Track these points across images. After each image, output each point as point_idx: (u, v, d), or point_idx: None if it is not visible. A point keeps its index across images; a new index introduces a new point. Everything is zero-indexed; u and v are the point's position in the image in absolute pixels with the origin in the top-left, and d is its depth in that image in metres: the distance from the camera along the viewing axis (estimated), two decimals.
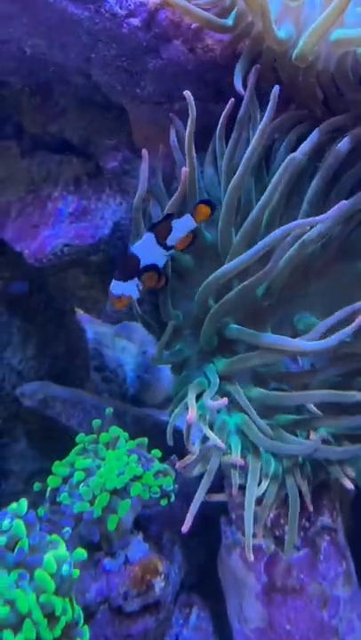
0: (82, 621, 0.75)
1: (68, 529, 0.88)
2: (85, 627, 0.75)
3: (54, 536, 0.78)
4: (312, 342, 0.88)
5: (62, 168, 1.37)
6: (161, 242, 0.89)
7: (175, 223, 0.89)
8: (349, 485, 0.90)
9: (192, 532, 1.27)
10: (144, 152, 0.97)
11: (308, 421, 0.97)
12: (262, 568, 1.03)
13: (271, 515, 1.05)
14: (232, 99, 1.04)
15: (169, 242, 0.89)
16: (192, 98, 0.98)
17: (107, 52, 1.05)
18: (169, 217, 0.91)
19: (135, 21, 1.02)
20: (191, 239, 0.93)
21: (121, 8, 1.00)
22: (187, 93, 0.99)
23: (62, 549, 0.75)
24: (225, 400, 0.87)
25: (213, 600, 1.18)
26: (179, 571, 1.11)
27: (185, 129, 1.04)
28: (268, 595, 1.02)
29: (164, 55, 1.07)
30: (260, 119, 1.00)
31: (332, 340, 0.85)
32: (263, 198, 0.93)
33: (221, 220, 0.98)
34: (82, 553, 0.77)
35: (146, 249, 0.89)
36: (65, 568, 0.72)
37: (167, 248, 0.90)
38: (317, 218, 0.86)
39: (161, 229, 0.89)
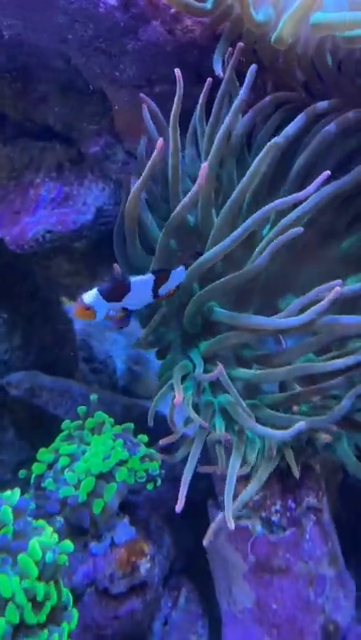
0: (71, 605, 0.75)
1: (60, 519, 0.88)
2: (74, 610, 0.75)
3: (40, 521, 0.78)
4: (287, 319, 0.88)
5: (45, 155, 1.36)
6: (154, 290, 0.90)
7: (173, 272, 0.91)
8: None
9: (181, 517, 1.29)
10: (160, 142, 0.94)
11: (291, 398, 0.98)
12: (249, 549, 1.04)
13: (257, 496, 1.06)
14: (210, 79, 1.03)
15: (161, 292, 0.91)
16: (181, 77, 0.97)
17: (84, 32, 1.03)
18: (168, 270, 0.92)
19: (112, 1, 1.00)
20: (173, 292, 0.94)
21: None
22: (177, 71, 0.97)
23: (47, 535, 0.74)
24: (220, 368, 0.86)
25: (202, 583, 1.19)
26: (167, 554, 1.12)
27: (162, 112, 1.04)
28: (255, 575, 1.03)
29: (143, 36, 1.05)
30: None
31: (307, 315, 0.86)
32: (243, 181, 0.92)
33: (200, 202, 0.98)
34: (69, 545, 0.77)
35: (139, 289, 0.88)
36: (49, 555, 0.72)
37: (155, 297, 0.91)
38: (297, 195, 0.85)
39: (161, 277, 0.90)
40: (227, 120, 0.93)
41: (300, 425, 0.85)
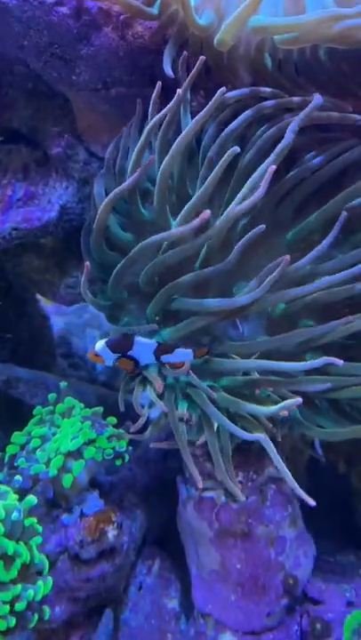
0: (46, 570, 0.82)
1: (18, 477, 0.94)
2: (49, 577, 0.81)
3: (3, 487, 0.85)
4: (244, 296, 0.96)
5: (11, 157, 1.41)
6: (157, 355, 1.01)
7: (178, 351, 1.00)
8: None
9: (154, 494, 1.37)
10: (151, 158, 1.01)
11: (252, 382, 1.05)
12: (214, 516, 1.12)
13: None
14: (159, 82, 1.09)
15: (163, 359, 1.01)
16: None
17: (39, 39, 1.09)
18: (176, 345, 1.02)
19: (64, 9, 1.06)
20: (180, 366, 1.02)
21: None
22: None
23: (12, 499, 0.81)
24: (186, 367, 0.97)
25: (176, 553, 1.27)
26: (140, 528, 1.19)
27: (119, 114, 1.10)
28: (220, 540, 1.11)
29: (96, 42, 1.12)
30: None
31: (260, 289, 0.93)
32: (201, 191, 0.98)
33: (156, 201, 1.05)
34: (32, 499, 0.84)
35: (143, 349, 1.00)
36: (15, 515, 0.79)
37: (157, 359, 1.01)
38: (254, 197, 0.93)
39: (165, 347, 1.00)
40: (188, 128, 1.00)
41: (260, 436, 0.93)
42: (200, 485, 0.97)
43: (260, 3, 0.98)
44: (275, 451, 0.96)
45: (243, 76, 1.14)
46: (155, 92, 1.09)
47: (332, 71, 1.11)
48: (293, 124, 1.00)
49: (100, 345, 1.00)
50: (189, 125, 1.01)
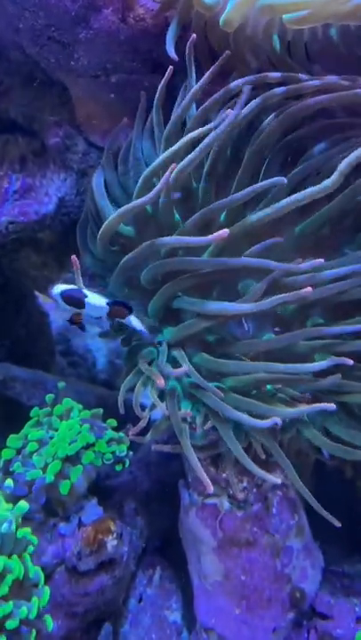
0: (42, 582, 0.77)
1: (9, 482, 0.89)
2: (46, 587, 0.76)
3: None
4: (247, 304, 0.91)
5: (8, 148, 1.36)
6: (110, 317, 0.99)
7: (130, 318, 0.99)
8: None
9: (155, 499, 1.32)
10: (168, 176, 0.91)
11: (254, 383, 1.00)
12: (217, 525, 1.07)
13: (224, 475, 1.09)
14: (170, 67, 1.03)
15: (115, 320, 1.00)
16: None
17: (35, 21, 1.04)
18: (130, 308, 1.00)
19: None
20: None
21: None
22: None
23: (2, 509, 0.76)
24: (185, 368, 0.92)
25: (177, 561, 1.22)
26: (140, 535, 1.14)
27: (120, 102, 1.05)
28: (224, 549, 1.06)
29: (95, 25, 1.06)
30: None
31: (266, 303, 0.89)
32: (221, 202, 0.95)
33: (162, 196, 0.99)
34: (24, 506, 0.79)
35: (93, 310, 0.98)
36: (4, 526, 0.74)
37: (110, 319, 1.00)
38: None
39: (117, 312, 0.99)
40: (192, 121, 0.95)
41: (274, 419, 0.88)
42: (210, 489, 0.91)
43: None
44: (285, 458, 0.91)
45: (250, 61, 1.08)
46: (163, 79, 1.03)
47: (346, 54, 1.04)
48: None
49: (57, 291, 0.97)
50: (194, 119, 0.95)
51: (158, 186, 0.91)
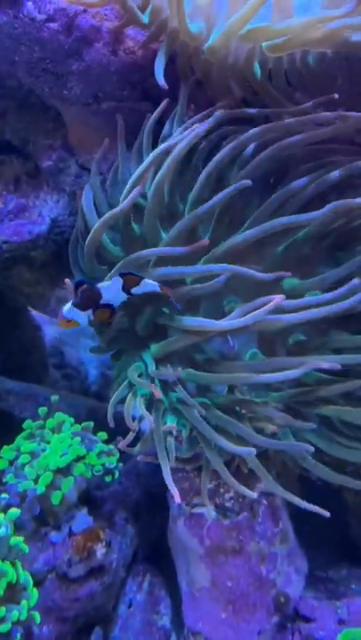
0: (30, 586, 0.81)
1: (5, 495, 0.93)
2: (34, 590, 0.80)
3: None
4: (226, 321, 0.96)
5: (3, 168, 1.41)
6: (126, 290, 0.98)
7: (145, 281, 0.97)
8: None
9: (145, 509, 1.35)
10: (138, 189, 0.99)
11: (237, 402, 1.04)
12: (204, 533, 1.11)
13: (211, 485, 1.13)
14: (167, 99, 1.10)
15: (133, 291, 0.98)
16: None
17: (30, 55, 1.10)
18: (141, 277, 0.99)
19: (55, 25, 1.07)
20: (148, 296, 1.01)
21: (40, 12, 1.05)
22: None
23: None
24: (178, 371, 0.96)
25: (167, 569, 1.26)
26: (130, 543, 1.18)
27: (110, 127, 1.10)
28: (211, 556, 1.10)
29: (87, 57, 1.12)
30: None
31: (245, 319, 0.93)
32: (199, 211, 1.00)
33: (147, 213, 1.05)
34: (15, 512, 0.82)
35: (110, 290, 0.97)
36: (2, 530, 0.77)
37: (128, 294, 0.99)
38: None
39: (131, 280, 0.97)
40: (180, 146, 1.01)
41: (251, 450, 0.93)
42: (178, 500, 0.95)
43: (254, 13, 0.98)
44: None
45: (234, 89, 1.14)
46: (157, 109, 1.10)
47: (323, 80, 1.10)
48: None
49: (67, 308, 0.95)
50: (182, 144, 1.01)
51: (131, 194, 0.97)
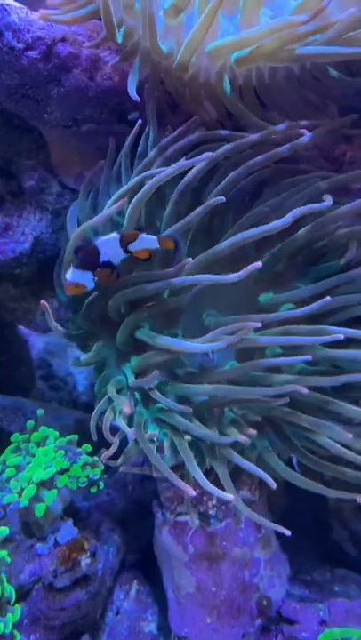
0: (13, 600, 0.83)
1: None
2: (17, 605, 0.83)
3: None
4: (194, 345, 0.99)
5: None
6: (123, 246, 0.97)
7: (142, 236, 0.97)
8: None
9: (132, 518, 1.38)
10: (121, 202, 1.00)
11: (216, 403, 1.08)
12: (188, 540, 1.14)
13: (195, 493, 1.16)
14: (140, 121, 1.14)
15: (131, 248, 0.98)
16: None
17: (10, 81, 1.14)
18: (139, 229, 0.99)
19: (34, 54, 1.11)
20: (148, 256, 1.00)
21: (19, 42, 1.09)
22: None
23: None
24: (155, 374, 0.98)
25: (153, 577, 1.29)
26: (117, 553, 1.21)
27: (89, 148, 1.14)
28: (195, 563, 1.13)
29: (66, 83, 1.16)
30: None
31: (214, 344, 0.97)
32: (180, 225, 1.04)
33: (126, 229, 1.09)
34: (4, 530, 0.85)
35: (108, 246, 0.95)
36: None
37: (127, 252, 0.98)
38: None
39: (128, 235, 0.96)
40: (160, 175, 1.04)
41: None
42: (192, 493, 0.97)
43: (213, 18, 1.00)
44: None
45: (207, 108, 1.19)
46: (132, 131, 1.14)
47: (292, 96, 1.14)
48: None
49: (70, 273, 0.94)
50: (161, 174, 1.04)
51: (106, 211, 1.00)
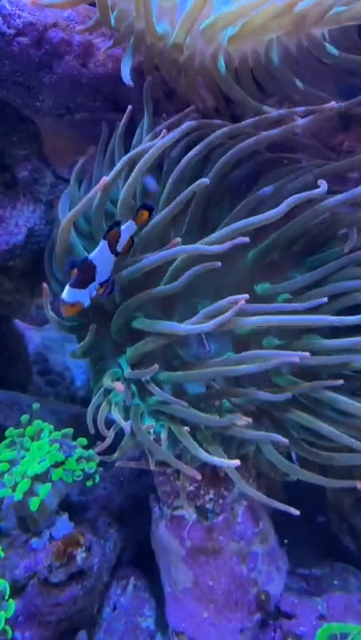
0: (7, 595, 0.82)
1: None
2: (11, 600, 0.82)
3: None
4: (187, 326, 0.97)
5: None
6: (113, 249, 0.96)
7: (123, 229, 0.96)
8: None
9: (129, 513, 1.37)
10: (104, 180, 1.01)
11: (212, 394, 1.07)
12: (185, 535, 1.13)
13: (192, 487, 1.15)
14: (130, 106, 1.12)
15: (118, 248, 0.97)
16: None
17: (1, 68, 1.11)
18: (117, 224, 0.97)
19: (25, 40, 1.09)
20: (131, 243, 1.00)
21: (9, 27, 1.07)
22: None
23: None
24: (154, 367, 0.96)
25: (151, 571, 1.27)
26: (114, 547, 1.19)
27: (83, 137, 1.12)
28: (192, 557, 1.12)
29: (58, 70, 1.14)
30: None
31: (208, 325, 0.95)
32: (166, 210, 1.02)
33: (119, 217, 1.07)
34: None
35: (102, 258, 0.95)
36: None
37: (116, 254, 0.97)
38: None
39: (112, 236, 0.95)
40: (150, 153, 1.04)
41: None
42: (198, 476, 0.96)
43: (205, 1, 0.96)
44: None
45: (203, 96, 1.16)
46: (124, 117, 1.11)
47: (286, 77, 1.11)
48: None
49: (67, 293, 0.92)
50: (152, 150, 1.04)
51: (91, 192, 1.00)
